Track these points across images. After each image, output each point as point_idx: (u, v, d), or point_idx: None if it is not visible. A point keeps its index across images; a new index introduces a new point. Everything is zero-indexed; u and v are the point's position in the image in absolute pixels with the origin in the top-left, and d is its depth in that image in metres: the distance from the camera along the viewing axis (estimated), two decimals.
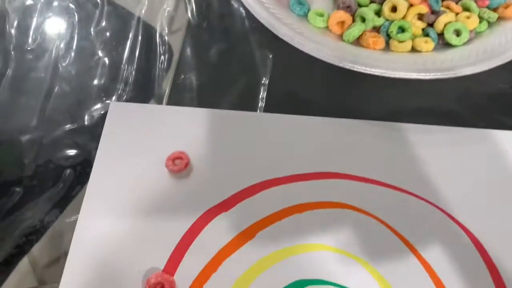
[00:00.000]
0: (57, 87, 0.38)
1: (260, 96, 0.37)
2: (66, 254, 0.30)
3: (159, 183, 0.33)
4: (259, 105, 0.37)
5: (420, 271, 0.30)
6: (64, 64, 0.40)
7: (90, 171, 0.34)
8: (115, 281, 0.30)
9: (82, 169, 0.34)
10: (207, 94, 0.38)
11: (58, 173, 0.34)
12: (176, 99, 0.38)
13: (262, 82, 0.38)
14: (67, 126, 0.37)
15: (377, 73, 0.35)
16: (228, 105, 0.37)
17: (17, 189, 0.33)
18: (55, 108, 0.37)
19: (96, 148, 0.35)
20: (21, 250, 0.31)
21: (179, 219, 0.32)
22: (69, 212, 0.33)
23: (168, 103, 0.37)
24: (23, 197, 0.33)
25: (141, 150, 0.35)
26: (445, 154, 0.34)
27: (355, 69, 0.35)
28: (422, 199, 0.33)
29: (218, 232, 0.32)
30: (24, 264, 0.31)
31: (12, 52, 0.40)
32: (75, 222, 0.32)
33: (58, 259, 0.31)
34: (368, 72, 0.35)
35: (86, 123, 0.37)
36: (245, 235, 0.32)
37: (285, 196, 0.33)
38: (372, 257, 0.31)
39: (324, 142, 0.35)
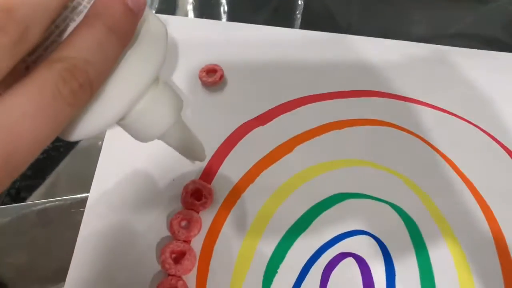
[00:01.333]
0: None
1: (297, 13, 0.36)
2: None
3: (192, 96, 0.32)
4: (295, 22, 0.35)
5: (462, 188, 0.30)
6: None
7: None
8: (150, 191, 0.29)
9: None
10: (239, 8, 0.36)
11: None
12: (206, 13, 0.36)
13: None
14: None
15: None
16: (262, 21, 0.35)
17: None
18: None
19: None
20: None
21: (214, 132, 0.31)
22: None
23: (198, 17, 0.36)
24: None
25: (172, 63, 0.33)
26: (488, 79, 0.33)
27: None
28: (464, 119, 0.32)
29: (255, 145, 0.31)
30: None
31: None
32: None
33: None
34: None
35: None
36: (283, 149, 0.31)
37: (324, 112, 0.32)
38: (413, 172, 0.30)
39: (364, 61, 0.34)
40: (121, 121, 0.17)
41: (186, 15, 0.36)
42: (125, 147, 0.30)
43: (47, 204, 0.29)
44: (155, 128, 0.18)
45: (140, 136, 0.18)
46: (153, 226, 0.28)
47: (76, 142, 0.30)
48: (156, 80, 0.18)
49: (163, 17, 0.35)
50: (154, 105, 0.17)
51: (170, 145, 0.20)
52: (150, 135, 0.18)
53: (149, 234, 0.28)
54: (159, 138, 0.19)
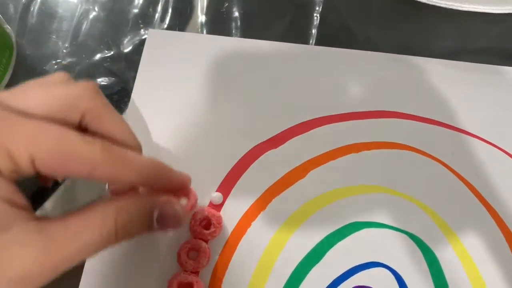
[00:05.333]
0: (91, 12, 0.35)
1: (312, 28, 0.34)
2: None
3: (201, 114, 0.31)
4: (310, 38, 0.34)
5: (486, 217, 0.28)
6: None
7: (128, 100, 0.32)
8: None
9: (119, 98, 0.32)
10: (252, 24, 0.35)
11: None
12: (218, 29, 0.35)
13: (314, 13, 0.35)
14: (102, 53, 0.34)
15: (440, 5, 0.32)
16: (275, 37, 0.34)
17: None
18: (89, 34, 0.35)
19: (133, 77, 0.32)
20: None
21: (224, 155, 0.30)
22: None
23: (209, 33, 0.35)
24: None
25: (181, 80, 0.32)
26: None
27: None
28: (489, 143, 0.30)
29: (266, 169, 0.29)
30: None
31: None
32: None
33: None
34: (430, 3, 0.32)
35: (123, 50, 0.34)
36: (296, 174, 0.29)
37: (339, 135, 0.30)
38: (433, 200, 0.29)
39: (382, 79, 0.32)
40: None
41: (198, 30, 0.35)
42: None
43: None
44: None
45: None
46: (161, 255, 0.27)
47: None
48: None
49: (175, 33, 0.34)
50: None
51: None
52: None
53: (157, 263, 0.27)
54: None
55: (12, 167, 0.17)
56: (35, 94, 0.20)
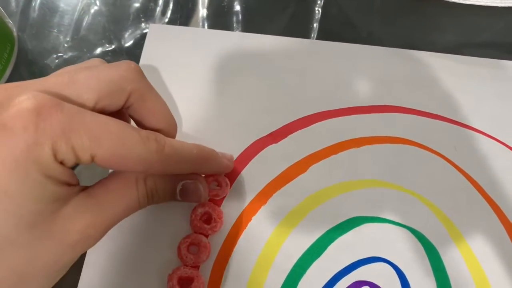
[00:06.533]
0: (92, 6, 0.35)
1: (313, 22, 0.34)
2: None
3: (202, 111, 0.31)
4: (312, 32, 0.34)
5: (489, 212, 0.28)
6: None
7: None
8: None
9: None
10: (253, 18, 0.35)
11: None
12: (219, 23, 0.34)
13: (316, 7, 0.35)
14: (103, 47, 0.34)
15: None
16: (277, 31, 0.34)
17: None
18: (90, 28, 0.35)
19: None
20: None
21: (224, 150, 0.30)
22: None
23: (210, 27, 0.34)
24: None
25: (182, 75, 0.32)
26: None
27: None
28: (492, 138, 0.30)
29: (268, 164, 0.29)
30: None
31: None
32: None
33: None
34: None
35: (124, 44, 0.34)
36: (297, 168, 0.29)
37: (341, 129, 0.30)
38: (435, 195, 0.28)
39: (384, 73, 0.32)
40: None
41: (199, 24, 0.34)
42: None
43: None
44: None
45: None
46: (161, 250, 0.27)
47: None
48: None
49: (176, 28, 0.34)
50: None
51: None
52: None
53: (157, 258, 0.27)
54: None
55: (74, 160, 0.19)
56: (85, 81, 0.20)
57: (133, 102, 0.22)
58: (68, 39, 0.34)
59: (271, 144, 0.30)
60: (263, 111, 0.31)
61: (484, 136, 0.30)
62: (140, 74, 0.22)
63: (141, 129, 0.21)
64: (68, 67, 0.22)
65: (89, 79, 0.20)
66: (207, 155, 0.25)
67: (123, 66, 0.22)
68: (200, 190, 0.25)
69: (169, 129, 0.24)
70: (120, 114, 0.23)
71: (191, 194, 0.25)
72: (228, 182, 0.28)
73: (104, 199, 0.20)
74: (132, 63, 0.22)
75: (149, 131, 0.21)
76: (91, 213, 0.20)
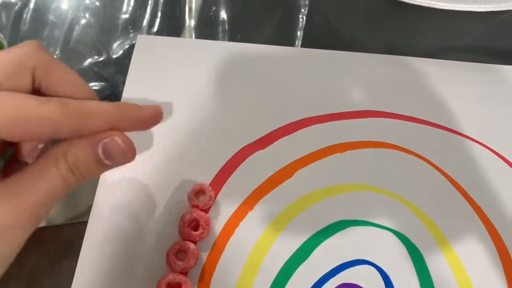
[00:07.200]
0: (81, 19, 0.36)
1: (298, 31, 0.35)
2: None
3: (191, 120, 0.32)
4: (296, 40, 0.34)
5: (470, 213, 0.28)
6: None
7: None
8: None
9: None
10: (239, 27, 0.35)
11: None
12: (206, 32, 0.35)
13: (300, 15, 0.35)
14: (93, 58, 0.34)
15: (424, 4, 0.32)
16: (262, 40, 0.34)
17: None
18: (80, 40, 0.35)
19: (123, 82, 0.33)
20: None
21: (212, 157, 0.30)
22: None
23: (197, 37, 0.35)
24: None
25: (171, 85, 0.33)
26: (498, 95, 0.32)
27: None
28: (473, 140, 0.30)
29: (255, 170, 0.30)
30: None
31: None
32: None
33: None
34: (415, 3, 0.32)
35: (112, 55, 0.34)
36: (283, 174, 0.30)
37: (325, 135, 0.31)
38: (418, 197, 0.29)
39: (367, 79, 0.32)
40: None
41: (187, 34, 0.35)
42: (121, 179, 0.29)
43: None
44: None
45: None
46: (150, 257, 0.28)
47: None
48: None
49: (163, 38, 0.35)
50: None
51: None
52: None
53: (146, 265, 0.27)
54: None
55: None
56: None
57: (41, 77, 0.21)
58: (58, 51, 0.35)
59: (258, 150, 0.31)
60: (249, 118, 0.31)
61: (465, 138, 0.30)
62: (40, 49, 0.21)
63: (43, 97, 0.20)
64: None
65: None
66: (124, 108, 0.22)
67: (23, 45, 0.21)
68: (120, 144, 0.22)
69: (85, 97, 0.22)
70: None
71: (114, 152, 0.22)
72: (213, 194, 0.29)
73: (22, 185, 0.19)
74: (33, 41, 0.21)
75: (52, 97, 0.20)
76: (8, 202, 0.19)
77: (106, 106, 0.21)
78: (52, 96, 0.21)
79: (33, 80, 0.21)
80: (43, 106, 0.19)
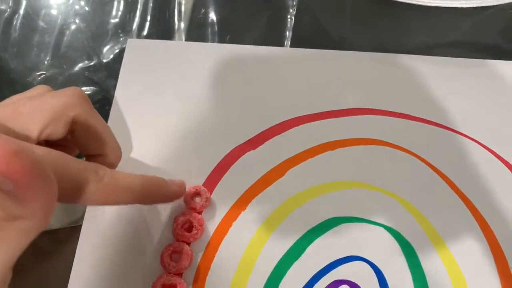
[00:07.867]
0: (71, 24, 0.36)
1: (287, 31, 0.35)
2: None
3: (183, 120, 0.32)
4: (285, 40, 0.35)
5: (461, 208, 0.29)
6: (78, 0, 0.37)
7: (109, 108, 0.32)
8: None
9: (101, 107, 0.33)
10: (229, 28, 0.35)
11: None
12: (196, 35, 0.35)
13: (288, 15, 0.36)
14: (83, 63, 0.35)
15: (412, 2, 0.33)
16: (251, 40, 0.35)
17: None
18: (70, 45, 0.35)
19: (114, 86, 0.33)
20: None
21: (204, 158, 0.30)
22: None
23: (187, 39, 0.35)
24: None
25: (162, 87, 0.33)
26: (487, 90, 0.32)
27: None
28: (463, 135, 0.31)
29: (246, 170, 0.30)
30: None
31: None
32: None
33: None
34: (402, 1, 0.33)
35: (103, 60, 0.35)
36: (275, 173, 0.30)
37: (316, 134, 0.31)
38: (409, 193, 0.29)
39: (357, 77, 0.33)
40: None
41: (176, 37, 0.35)
42: None
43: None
44: None
45: None
46: (145, 259, 0.28)
47: None
48: None
49: (153, 42, 0.35)
50: None
51: None
52: None
53: (141, 267, 0.28)
54: None
55: None
56: (29, 112, 0.21)
57: (77, 127, 0.22)
58: (48, 57, 0.35)
59: (249, 150, 0.31)
60: (240, 118, 0.32)
61: (455, 134, 0.31)
62: (84, 99, 0.23)
63: (82, 160, 0.21)
64: (14, 96, 0.23)
65: (32, 110, 0.21)
66: (152, 186, 0.23)
67: (67, 92, 0.22)
68: None
69: (113, 153, 0.24)
70: (66, 145, 0.23)
71: None
72: (209, 196, 0.29)
73: None
74: (77, 89, 0.23)
75: (91, 162, 0.21)
76: None
77: (137, 182, 0.22)
78: (84, 147, 0.23)
79: (71, 125, 0.22)
80: (81, 175, 0.19)
